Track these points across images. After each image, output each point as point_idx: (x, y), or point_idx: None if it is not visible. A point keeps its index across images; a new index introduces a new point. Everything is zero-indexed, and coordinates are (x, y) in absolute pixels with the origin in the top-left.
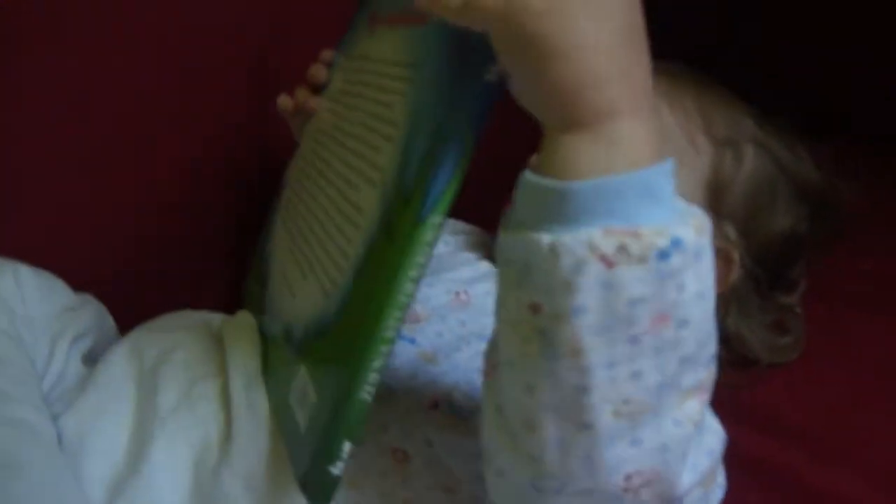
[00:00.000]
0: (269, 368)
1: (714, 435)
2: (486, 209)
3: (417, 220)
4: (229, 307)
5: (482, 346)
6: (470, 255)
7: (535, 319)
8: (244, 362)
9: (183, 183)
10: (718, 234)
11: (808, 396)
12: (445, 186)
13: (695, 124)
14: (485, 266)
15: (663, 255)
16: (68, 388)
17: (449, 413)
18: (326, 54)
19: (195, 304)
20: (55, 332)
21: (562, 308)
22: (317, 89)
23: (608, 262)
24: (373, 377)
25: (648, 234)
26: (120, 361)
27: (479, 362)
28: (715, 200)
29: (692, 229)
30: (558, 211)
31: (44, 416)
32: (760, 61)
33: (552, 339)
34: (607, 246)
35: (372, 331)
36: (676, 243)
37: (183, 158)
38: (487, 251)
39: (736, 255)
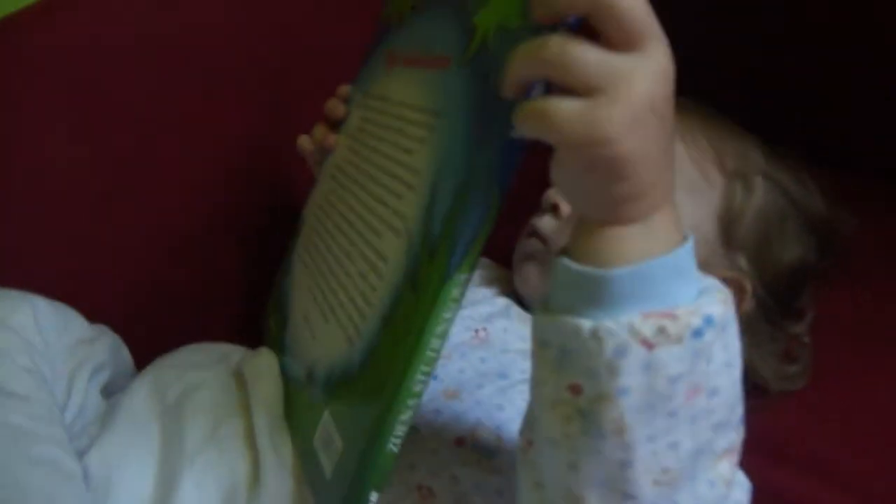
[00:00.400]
0: (291, 409)
1: (740, 487)
2: (496, 241)
3: (444, 277)
4: (243, 339)
5: (502, 383)
6: (487, 291)
7: (576, 400)
8: (267, 404)
9: (197, 215)
10: (730, 264)
11: (819, 424)
12: (471, 243)
13: (707, 158)
14: (501, 302)
15: (697, 333)
16: (89, 422)
17: (474, 450)
18: (343, 89)
19: (209, 335)
20: (73, 365)
21: (605, 389)
22: (334, 125)
23: (649, 345)
24: (400, 430)
25: (684, 314)
26: (142, 398)
27: (499, 399)
28: (726, 232)
29: (720, 304)
30: (598, 296)
31: (70, 454)
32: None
33: (595, 419)
34: (647, 329)
35: (399, 385)
36: (709, 321)
37: (197, 191)
38: (502, 286)
39: (748, 285)
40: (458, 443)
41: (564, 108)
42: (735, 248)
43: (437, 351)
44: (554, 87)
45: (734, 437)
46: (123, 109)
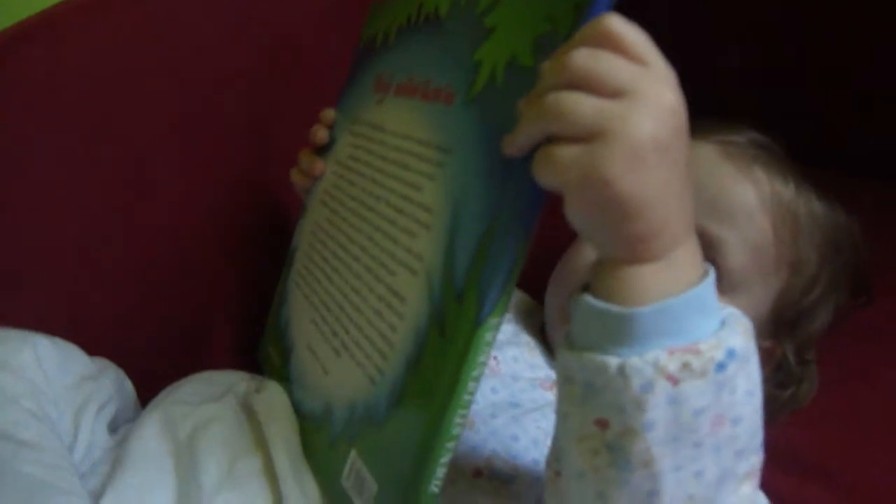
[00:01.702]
0: (307, 444)
1: None
2: None
3: (476, 323)
4: (245, 364)
5: (514, 412)
6: None
7: (603, 434)
8: (286, 442)
9: (192, 240)
10: (770, 334)
11: (823, 432)
12: (502, 289)
13: (785, 243)
14: (510, 329)
15: (721, 366)
16: (98, 460)
17: (492, 479)
18: (328, 114)
19: (210, 362)
20: (78, 403)
21: (632, 424)
22: (319, 150)
23: (674, 380)
24: (441, 472)
25: (707, 349)
26: (153, 435)
27: (513, 429)
28: (778, 312)
29: (741, 336)
30: (623, 333)
31: (84, 501)
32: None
33: (623, 452)
34: (672, 365)
35: (438, 429)
36: (731, 354)
37: (191, 217)
38: (514, 311)
39: (780, 351)
40: (476, 474)
41: (564, 153)
42: (779, 323)
43: (472, 394)
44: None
45: (755, 460)
46: (116, 135)
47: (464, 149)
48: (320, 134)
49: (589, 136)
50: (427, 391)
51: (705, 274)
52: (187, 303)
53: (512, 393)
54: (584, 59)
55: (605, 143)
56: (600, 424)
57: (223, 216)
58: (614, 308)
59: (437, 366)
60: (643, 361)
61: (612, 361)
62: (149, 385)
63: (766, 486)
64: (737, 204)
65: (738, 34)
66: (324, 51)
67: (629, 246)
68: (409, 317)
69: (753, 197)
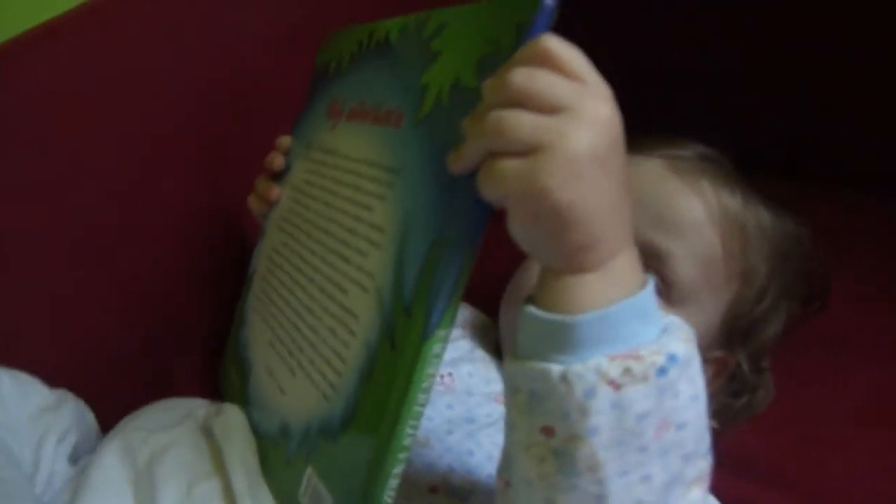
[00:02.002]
0: (266, 464)
1: None
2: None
3: (424, 335)
4: (206, 390)
5: (470, 427)
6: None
7: (549, 441)
8: (243, 462)
9: (150, 266)
10: (721, 345)
11: (778, 438)
12: (448, 302)
13: (735, 258)
14: (465, 345)
15: (662, 371)
16: (58, 491)
17: (449, 495)
18: (284, 141)
19: (171, 389)
20: (38, 436)
21: (577, 430)
22: (276, 176)
23: (616, 385)
24: (393, 482)
25: (648, 354)
26: (112, 463)
27: (469, 444)
28: (729, 324)
29: (682, 342)
30: (565, 342)
31: None
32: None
33: (569, 458)
34: (614, 371)
35: (389, 441)
36: (672, 359)
37: (150, 242)
38: (467, 328)
39: (733, 361)
40: (433, 490)
41: (505, 167)
42: (731, 334)
43: (423, 405)
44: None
45: (703, 464)
46: (73, 156)
47: (412, 169)
48: (276, 160)
49: (529, 150)
50: (379, 404)
51: (646, 283)
52: (149, 330)
53: (467, 408)
54: (523, 78)
55: (543, 156)
56: (546, 432)
57: (183, 241)
58: (556, 317)
59: (388, 379)
60: (585, 368)
61: (555, 369)
62: (111, 414)
63: (724, 493)
64: (684, 217)
65: (687, 39)
66: (282, 78)
67: (568, 256)
68: (361, 332)
69: (701, 210)
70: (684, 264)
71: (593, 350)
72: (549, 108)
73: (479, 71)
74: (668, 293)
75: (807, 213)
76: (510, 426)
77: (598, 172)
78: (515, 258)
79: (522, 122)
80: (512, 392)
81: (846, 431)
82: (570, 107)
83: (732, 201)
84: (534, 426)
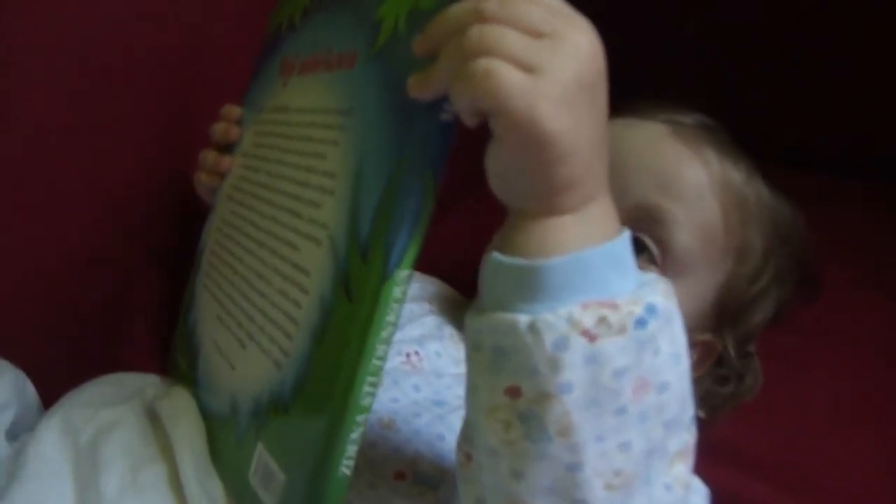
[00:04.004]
0: (215, 447)
1: (697, 493)
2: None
3: (384, 277)
4: (157, 365)
5: (439, 410)
6: (415, 308)
7: (515, 403)
8: (190, 445)
9: (95, 240)
10: (711, 328)
11: (764, 428)
12: (409, 237)
13: (735, 234)
14: (432, 322)
15: (641, 322)
16: None
17: (416, 483)
18: (232, 111)
19: (120, 363)
20: None
21: (546, 387)
22: (225, 148)
23: (590, 336)
24: (351, 450)
25: (625, 303)
26: (52, 442)
27: (439, 428)
28: (721, 303)
29: (661, 295)
30: (534, 289)
31: None
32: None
33: (538, 421)
34: (588, 320)
35: (346, 401)
36: (651, 310)
37: (94, 215)
38: (440, 304)
39: (719, 346)
40: (399, 476)
41: (511, 73)
42: (721, 316)
43: (383, 359)
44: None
45: (687, 437)
46: (16, 126)
47: (366, 106)
48: (230, 131)
49: (528, 66)
50: (333, 363)
51: (621, 233)
52: (97, 302)
53: (436, 390)
54: (497, 3)
55: (543, 76)
56: (511, 393)
57: (135, 212)
58: (524, 262)
59: (344, 333)
60: (556, 317)
61: (523, 319)
62: (57, 391)
63: (712, 483)
64: (687, 182)
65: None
66: (237, 47)
67: (551, 194)
68: (314, 288)
69: (704, 177)
70: (685, 229)
71: (565, 299)
72: (528, 34)
73: None
74: (665, 262)
75: (798, 198)
76: (471, 389)
77: (587, 103)
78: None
79: (512, 37)
80: (473, 350)
81: (837, 423)
82: (552, 33)
83: (736, 173)
84: (497, 387)
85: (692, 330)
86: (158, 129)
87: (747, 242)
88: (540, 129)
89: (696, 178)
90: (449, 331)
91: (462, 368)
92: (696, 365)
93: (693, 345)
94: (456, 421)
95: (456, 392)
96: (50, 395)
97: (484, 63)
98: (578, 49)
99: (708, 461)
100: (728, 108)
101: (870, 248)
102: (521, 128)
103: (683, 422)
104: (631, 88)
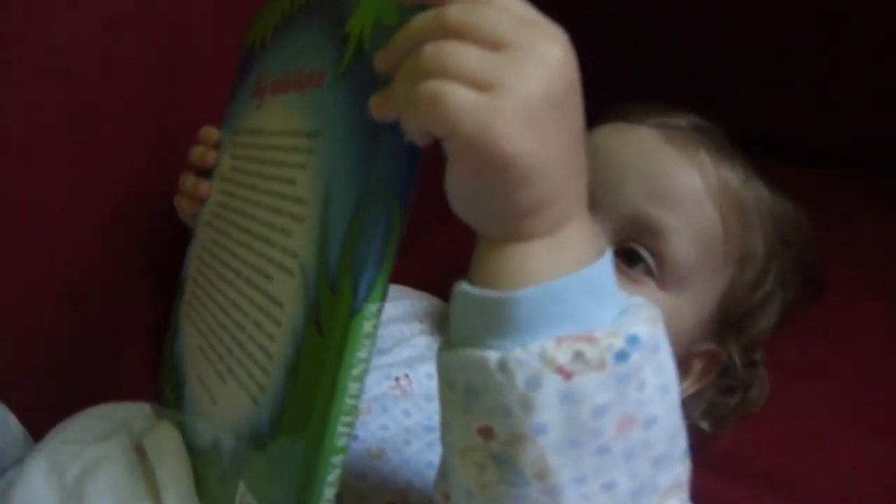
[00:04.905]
0: (201, 483)
1: None
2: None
3: (352, 311)
4: (141, 395)
5: (430, 437)
6: (404, 329)
7: (488, 444)
8: (176, 485)
9: (81, 263)
10: (714, 336)
11: (773, 437)
12: (378, 268)
13: (734, 241)
14: (422, 342)
15: (622, 355)
16: None
17: None
18: (211, 133)
19: (108, 394)
20: None
21: (519, 429)
22: (204, 172)
23: (565, 374)
24: (329, 492)
25: (603, 336)
26: (39, 480)
27: (430, 456)
28: (723, 311)
29: (644, 323)
30: (503, 323)
31: None
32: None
33: (513, 464)
34: (562, 356)
35: (320, 442)
36: (633, 341)
37: (80, 245)
38: (432, 321)
39: (724, 355)
40: None
41: (461, 97)
42: (724, 324)
43: (357, 397)
44: None
45: (680, 470)
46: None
47: (333, 128)
48: (207, 155)
49: (483, 85)
50: (307, 400)
51: (601, 255)
52: (83, 327)
53: (427, 415)
54: (459, 10)
55: (500, 94)
56: (484, 433)
57: (125, 232)
58: (492, 294)
59: (316, 370)
60: (527, 353)
61: (492, 356)
62: (40, 419)
63: (718, 497)
64: (682, 189)
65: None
66: (226, 60)
67: (515, 219)
68: (287, 320)
69: (700, 183)
70: (683, 240)
71: (537, 333)
72: (492, 45)
73: (401, 8)
74: (663, 274)
75: (801, 196)
76: (444, 428)
77: (556, 119)
78: None
79: (467, 55)
80: (447, 387)
81: (845, 431)
82: (518, 44)
83: (733, 176)
84: (470, 427)
85: (694, 340)
86: (148, 144)
87: (748, 247)
88: (496, 152)
89: (691, 184)
90: None
91: None
92: (701, 375)
93: (696, 354)
94: None
95: None
96: (35, 425)
97: (433, 86)
98: (545, 61)
99: (713, 473)
100: (728, 103)
101: (875, 245)
102: (474, 151)
103: (675, 456)
104: (630, 86)
